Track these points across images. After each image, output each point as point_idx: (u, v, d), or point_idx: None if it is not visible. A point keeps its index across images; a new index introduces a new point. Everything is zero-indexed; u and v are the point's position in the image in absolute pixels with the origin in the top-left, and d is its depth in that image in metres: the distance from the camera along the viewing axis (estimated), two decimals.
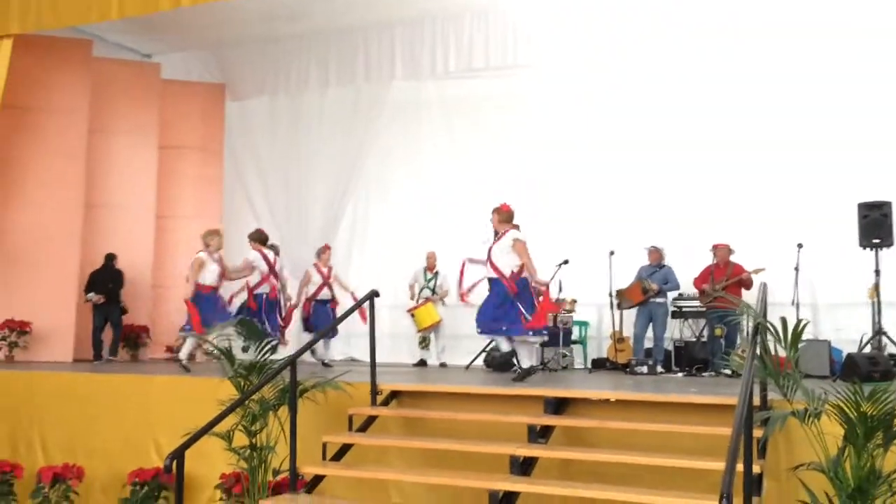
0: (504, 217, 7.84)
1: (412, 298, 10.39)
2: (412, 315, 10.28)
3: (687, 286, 9.55)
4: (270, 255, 9.71)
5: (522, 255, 7.60)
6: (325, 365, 9.08)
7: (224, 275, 9.40)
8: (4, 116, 9.46)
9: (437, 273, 10.42)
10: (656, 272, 9.46)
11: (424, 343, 10.41)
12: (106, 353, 10.09)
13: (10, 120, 9.71)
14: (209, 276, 9.18)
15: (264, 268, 9.56)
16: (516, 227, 7.89)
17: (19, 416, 7.61)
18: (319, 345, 9.37)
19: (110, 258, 10.35)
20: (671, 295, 9.67)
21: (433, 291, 10.36)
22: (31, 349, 9.69)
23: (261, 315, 9.32)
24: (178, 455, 4.85)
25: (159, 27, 11.40)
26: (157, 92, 11.55)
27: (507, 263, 7.58)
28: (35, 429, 7.51)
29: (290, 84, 12.22)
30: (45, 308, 9.85)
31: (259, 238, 9.77)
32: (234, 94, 12.64)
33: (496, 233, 7.84)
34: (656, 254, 9.57)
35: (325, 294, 9.94)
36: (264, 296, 9.55)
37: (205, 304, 9.01)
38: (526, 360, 7.62)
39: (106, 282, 10.22)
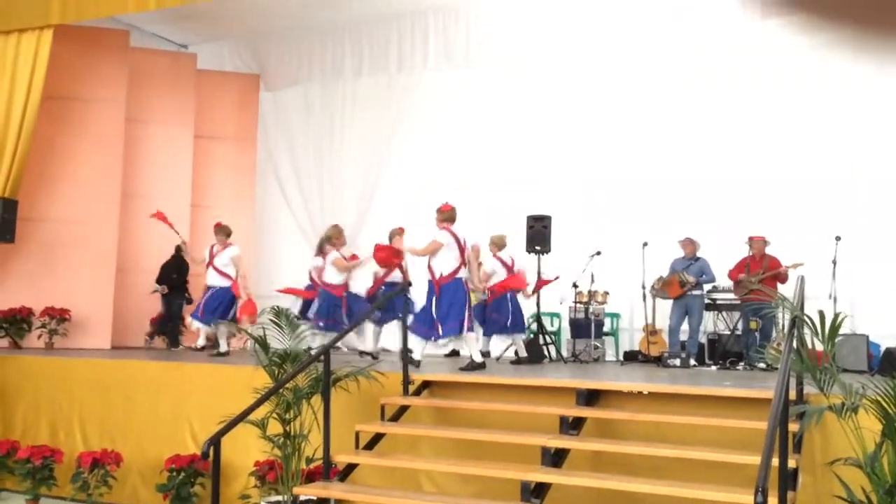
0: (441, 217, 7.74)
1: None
2: None
3: (721, 278, 9.44)
4: None
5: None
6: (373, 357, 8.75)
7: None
8: (44, 106, 9.61)
9: (480, 265, 10.24)
10: (691, 265, 9.33)
11: None
12: (147, 340, 10.24)
13: (49, 110, 9.86)
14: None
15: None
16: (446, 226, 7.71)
17: (59, 402, 7.78)
18: (370, 337, 9.26)
19: (178, 249, 10.53)
20: (706, 287, 9.57)
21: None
22: (70, 336, 9.88)
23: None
24: (216, 441, 4.93)
25: (195, 17, 11.54)
26: (192, 82, 11.68)
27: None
28: (75, 415, 7.67)
29: (323, 73, 12.30)
30: (83, 296, 10.03)
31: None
32: (267, 84, 12.75)
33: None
34: (691, 246, 9.44)
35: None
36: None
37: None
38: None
39: (171, 272, 10.40)
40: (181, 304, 10.56)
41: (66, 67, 10.06)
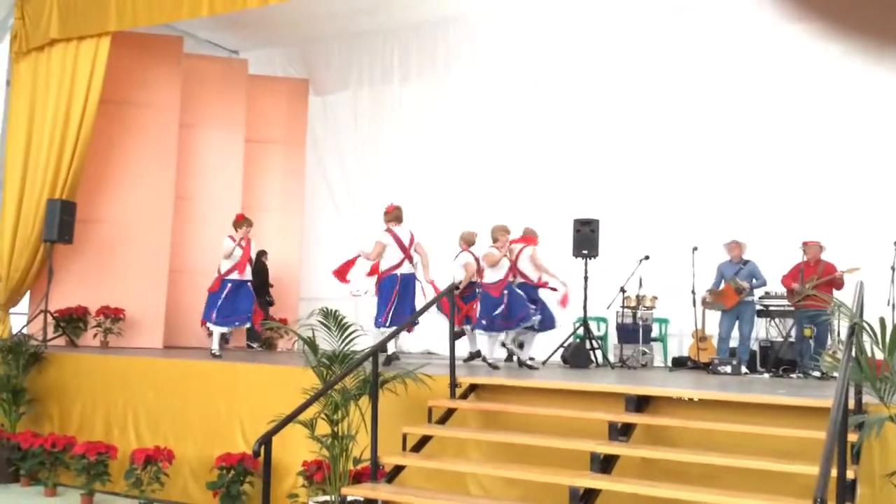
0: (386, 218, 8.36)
1: None
2: None
3: (774, 284, 9.25)
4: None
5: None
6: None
7: None
8: (101, 110, 9.87)
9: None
10: (741, 269, 9.15)
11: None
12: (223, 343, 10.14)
13: (106, 114, 10.11)
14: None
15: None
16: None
17: (114, 399, 7.96)
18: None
19: (260, 254, 10.71)
20: (757, 293, 9.39)
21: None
22: (124, 336, 10.11)
23: None
24: (267, 440, 4.98)
25: (246, 24, 11.74)
26: (244, 87, 11.86)
27: None
28: (129, 412, 7.84)
29: (372, 78, 12.43)
30: (137, 296, 10.25)
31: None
32: (317, 90, 12.91)
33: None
34: (738, 248, 9.22)
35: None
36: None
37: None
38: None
39: (254, 276, 10.34)
40: (264, 307, 10.76)
41: (122, 73, 10.31)
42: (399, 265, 8.29)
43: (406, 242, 8.39)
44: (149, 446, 7.28)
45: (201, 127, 11.40)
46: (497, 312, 8.18)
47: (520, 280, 8.75)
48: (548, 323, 8.79)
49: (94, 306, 10.07)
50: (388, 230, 8.35)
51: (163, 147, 10.72)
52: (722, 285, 9.17)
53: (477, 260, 8.87)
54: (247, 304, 9.18)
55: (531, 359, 8.71)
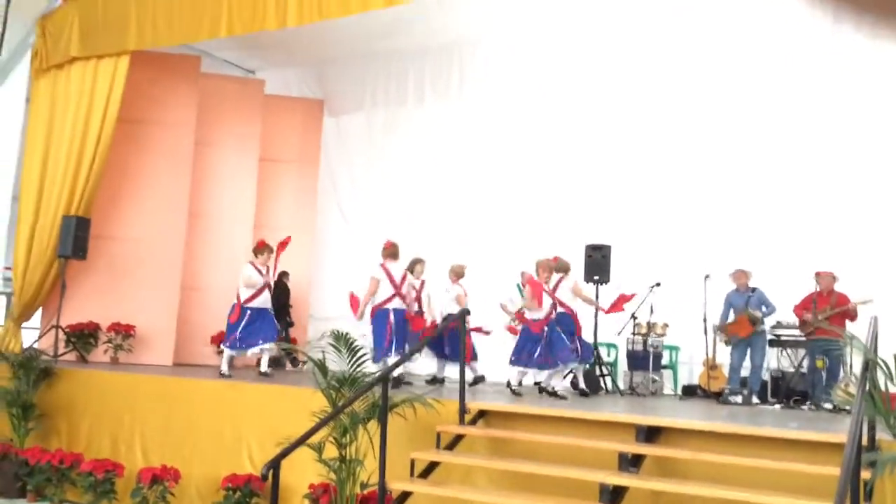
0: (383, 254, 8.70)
1: (511, 319, 9.54)
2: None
3: (786, 314, 9.18)
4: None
5: None
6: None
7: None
8: (118, 129, 9.95)
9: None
10: (750, 297, 9.11)
11: None
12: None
13: (123, 131, 10.18)
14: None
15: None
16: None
17: (122, 416, 7.95)
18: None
19: (281, 275, 10.78)
20: (769, 322, 9.33)
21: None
22: (134, 352, 10.12)
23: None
24: (276, 464, 4.97)
25: (263, 44, 11.86)
26: (259, 106, 11.95)
27: None
28: (136, 430, 7.83)
29: (387, 100, 12.50)
30: (148, 312, 10.28)
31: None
32: (331, 110, 12.99)
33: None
34: (744, 277, 9.17)
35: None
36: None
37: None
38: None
39: (275, 297, 10.22)
40: (284, 328, 10.80)
41: (140, 91, 10.40)
42: (389, 300, 8.64)
43: (398, 279, 8.68)
44: (155, 465, 7.27)
45: (216, 145, 11.48)
46: (535, 350, 8.03)
47: (560, 310, 8.59)
48: (587, 354, 8.72)
49: (105, 322, 10.11)
50: (382, 265, 8.76)
51: (178, 165, 10.80)
52: (731, 315, 9.11)
53: (466, 293, 9.14)
54: (270, 328, 9.15)
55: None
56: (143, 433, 7.79)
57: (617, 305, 8.95)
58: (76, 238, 9.61)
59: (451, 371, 8.83)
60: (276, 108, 12.30)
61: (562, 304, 8.66)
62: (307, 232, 12.38)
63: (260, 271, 9.18)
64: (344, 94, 12.94)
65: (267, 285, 9.27)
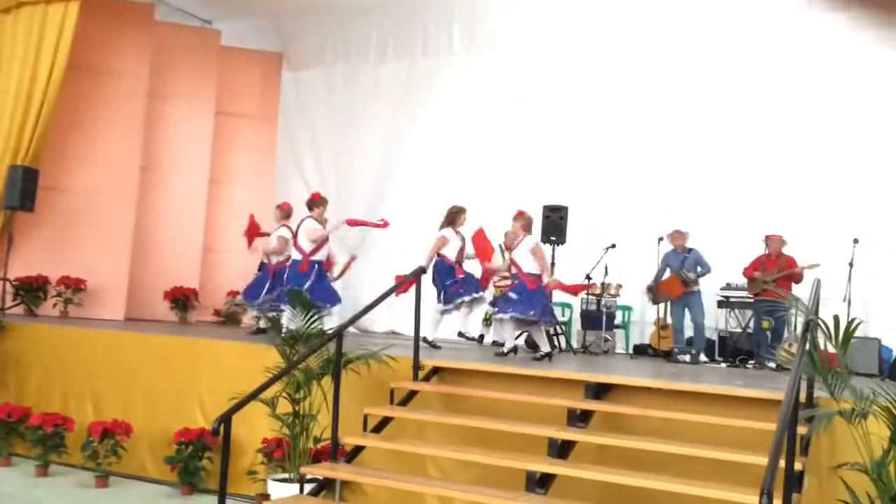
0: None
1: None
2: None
3: (735, 276, 9.41)
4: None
5: None
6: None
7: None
8: (68, 76, 9.66)
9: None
10: (686, 258, 9.32)
11: (488, 321, 10.16)
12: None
13: (73, 80, 9.91)
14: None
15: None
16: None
17: (72, 371, 7.87)
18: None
19: None
20: (718, 283, 9.55)
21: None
22: (85, 306, 9.98)
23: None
24: (226, 419, 4.97)
25: None
26: (216, 59, 11.70)
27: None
28: (87, 384, 7.76)
29: (348, 55, 12.32)
30: (99, 267, 10.13)
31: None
32: (291, 64, 12.75)
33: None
34: (681, 238, 9.37)
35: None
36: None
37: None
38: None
39: None
40: None
41: (90, 39, 10.11)
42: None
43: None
44: (107, 419, 7.22)
45: (170, 97, 11.24)
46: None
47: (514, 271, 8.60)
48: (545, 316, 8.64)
49: (54, 276, 9.93)
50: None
51: (130, 116, 10.57)
52: (667, 275, 9.33)
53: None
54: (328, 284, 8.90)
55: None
56: (94, 387, 7.73)
57: (571, 289, 8.87)
58: (24, 189, 9.37)
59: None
60: (234, 60, 12.05)
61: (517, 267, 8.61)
62: (266, 188, 12.23)
63: (322, 224, 8.86)
64: (304, 48, 12.71)
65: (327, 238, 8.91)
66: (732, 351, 9.19)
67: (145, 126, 10.71)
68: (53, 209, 10.07)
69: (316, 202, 8.97)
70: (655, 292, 9.36)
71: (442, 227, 8.77)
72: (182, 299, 10.90)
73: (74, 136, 10.26)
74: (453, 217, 8.78)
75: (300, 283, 8.37)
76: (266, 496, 6.04)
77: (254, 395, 5.35)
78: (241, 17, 12.71)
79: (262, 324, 8.69)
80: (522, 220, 8.05)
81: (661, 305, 9.47)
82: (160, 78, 10.98)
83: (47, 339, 8.20)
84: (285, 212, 9.38)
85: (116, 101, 10.49)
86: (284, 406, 6.01)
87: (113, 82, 10.48)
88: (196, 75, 11.46)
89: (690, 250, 9.35)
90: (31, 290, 9.82)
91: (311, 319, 6.17)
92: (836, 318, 4.47)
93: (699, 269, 9.25)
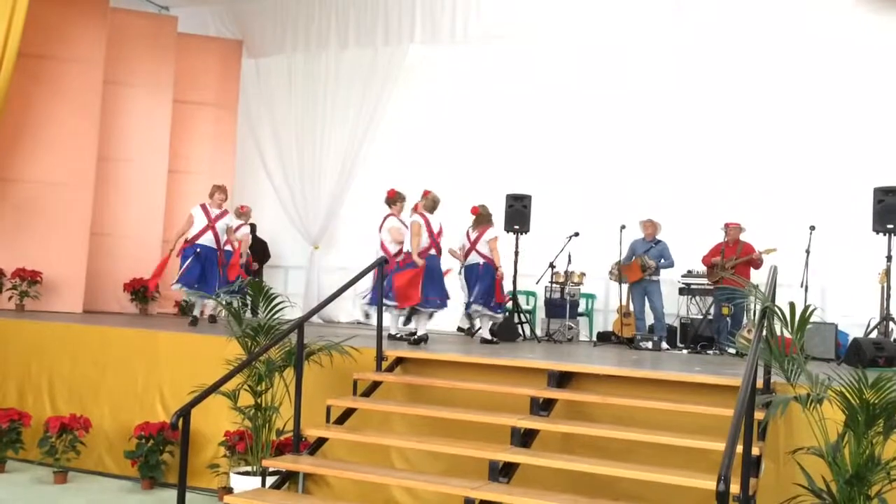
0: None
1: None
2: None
3: (695, 263, 9.53)
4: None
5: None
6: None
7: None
8: (20, 64, 9.39)
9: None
10: (651, 248, 9.45)
11: None
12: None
13: (24, 68, 9.65)
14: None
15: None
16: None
17: (28, 365, 7.71)
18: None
19: (253, 228, 11.08)
20: (679, 271, 9.67)
21: None
22: (41, 299, 9.77)
23: None
24: (185, 412, 4.90)
25: None
26: (173, 46, 11.47)
27: None
28: (44, 378, 7.61)
29: (308, 43, 12.16)
30: (56, 258, 9.91)
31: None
32: (250, 51, 12.57)
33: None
34: (652, 227, 9.52)
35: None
36: None
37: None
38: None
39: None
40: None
41: (43, 25, 9.84)
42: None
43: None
44: (65, 414, 7.10)
45: (127, 85, 11.01)
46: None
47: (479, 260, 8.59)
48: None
49: (9, 268, 9.70)
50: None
51: (86, 105, 10.32)
52: (630, 261, 9.47)
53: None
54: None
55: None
56: (52, 382, 7.59)
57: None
58: None
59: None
60: (191, 47, 11.83)
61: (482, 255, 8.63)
62: (225, 177, 11.97)
63: (404, 222, 8.56)
64: (263, 35, 12.53)
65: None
66: (693, 337, 9.31)
67: (102, 114, 10.47)
68: (7, 200, 9.84)
69: (394, 199, 8.73)
70: (619, 273, 9.48)
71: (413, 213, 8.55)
72: (142, 290, 10.71)
73: (28, 125, 10.01)
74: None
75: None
76: (229, 489, 5.98)
77: (214, 388, 5.29)
78: (198, 4, 12.49)
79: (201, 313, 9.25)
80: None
81: (624, 293, 9.55)
82: (116, 65, 10.74)
83: (3, 332, 8.01)
84: (246, 214, 10.38)
85: (71, 89, 10.23)
86: (246, 398, 5.96)
87: (68, 70, 10.22)
88: (153, 63, 11.23)
89: (658, 241, 9.47)
90: None
91: (272, 311, 6.10)
92: (792, 305, 4.53)
93: (662, 260, 9.38)
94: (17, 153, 9.94)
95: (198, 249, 9.16)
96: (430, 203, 8.17)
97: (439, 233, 8.03)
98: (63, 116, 10.16)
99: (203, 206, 9.43)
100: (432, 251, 7.95)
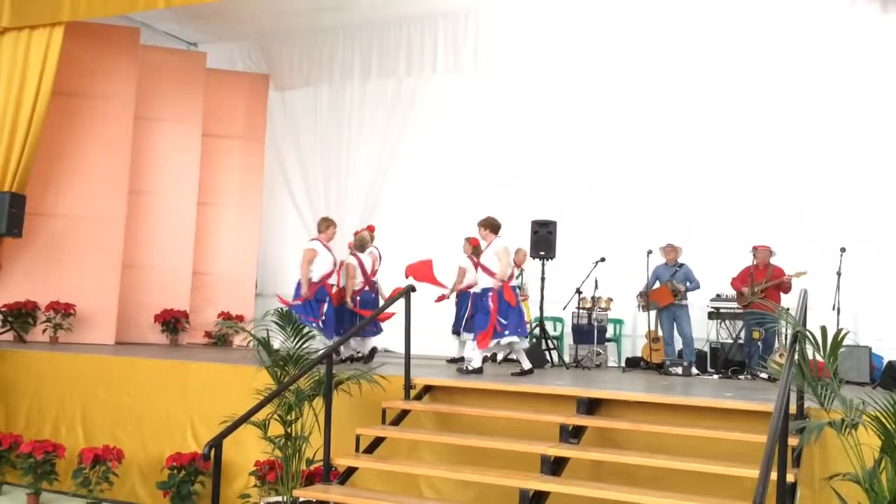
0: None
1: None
2: None
3: (725, 287, 9.45)
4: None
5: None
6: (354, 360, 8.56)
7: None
8: (54, 102, 9.65)
9: (522, 270, 9.88)
10: (677, 272, 9.40)
11: None
12: None
13: (59, 106, 9.90)
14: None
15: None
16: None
17: (62, 397, 7.82)
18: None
19: None
20: (708, 295, 9.59)
21: (519, 289, 9.06)
22: (74, 331, 9.92)
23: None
24: (217, 443, 4.94)
25: (205, 16, 11.58)
26: (202, 81, 11.69)
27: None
28: (77, 410, 7.71)
29: (332, 75, 12.32)
30: (89, 291, 10.07)
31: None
32: (277, 84, 12.77)
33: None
34: (673, 252, 9.49)
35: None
36: None
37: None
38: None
39: None
40: None
41: (76, 64, 10.10)
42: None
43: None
44: (98, 445, 7.17)
45: (157, 120, 11.22)
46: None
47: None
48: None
49: (43, 301, 9.87)
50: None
51: (117, 140, 10.54)
52: (657, 286, 9.40)
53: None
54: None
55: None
56: (85, 414, 7.68)
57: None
58: (11, 215, 9.32)
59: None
60: (220, 82, 12.06)
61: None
62: (253, 208, 12.22)
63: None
64: (289, 68, 12.72)
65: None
66: (724, 362, 9.20)
67: (133, 149, 10.69)
68: (41, 234, 10.03)
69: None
70: (646, 299, 9.40)
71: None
72: (172, 322, 10.84)
73: (62, 161, 10.24)
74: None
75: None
76: None
77: (245, 419, 5.33)
78: (226, 40, 12.74)
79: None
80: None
81: (652, 318, 9.48)
82: (147, 101, 10.97)
83: (37, 365, 8.14)
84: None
85: (104, 125, 10.47)
86: (276, 428, 5.99)
87: (100, 106, 10.47)
88: (183, 98, 11.46)
89: (681, 265, 9.43)
90: (21, 317, 9.75)
91: (302, 341, 6.14)
92: (824, 330, 4.48)
93: (688, 283, 9.33)
94: (50, 188, 10.15)
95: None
96: (359, 242, 8.57)
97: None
98: (95, 152, 10.39)
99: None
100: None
